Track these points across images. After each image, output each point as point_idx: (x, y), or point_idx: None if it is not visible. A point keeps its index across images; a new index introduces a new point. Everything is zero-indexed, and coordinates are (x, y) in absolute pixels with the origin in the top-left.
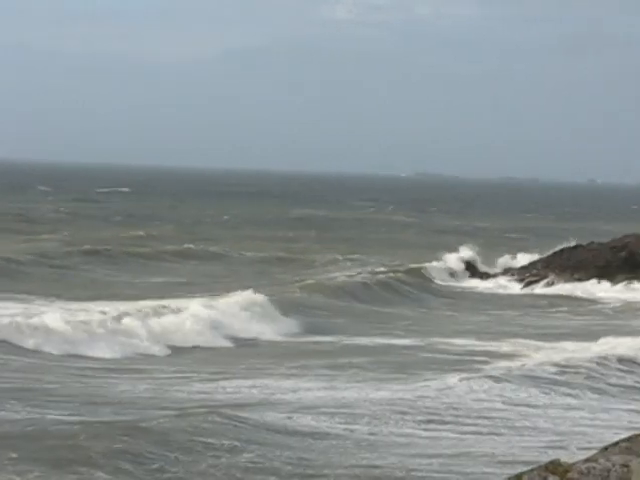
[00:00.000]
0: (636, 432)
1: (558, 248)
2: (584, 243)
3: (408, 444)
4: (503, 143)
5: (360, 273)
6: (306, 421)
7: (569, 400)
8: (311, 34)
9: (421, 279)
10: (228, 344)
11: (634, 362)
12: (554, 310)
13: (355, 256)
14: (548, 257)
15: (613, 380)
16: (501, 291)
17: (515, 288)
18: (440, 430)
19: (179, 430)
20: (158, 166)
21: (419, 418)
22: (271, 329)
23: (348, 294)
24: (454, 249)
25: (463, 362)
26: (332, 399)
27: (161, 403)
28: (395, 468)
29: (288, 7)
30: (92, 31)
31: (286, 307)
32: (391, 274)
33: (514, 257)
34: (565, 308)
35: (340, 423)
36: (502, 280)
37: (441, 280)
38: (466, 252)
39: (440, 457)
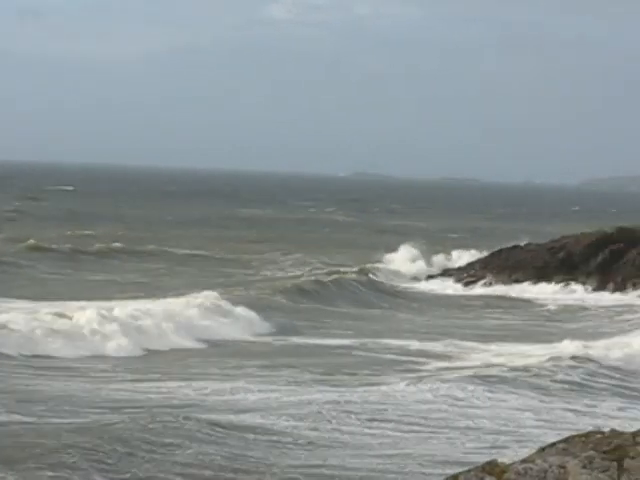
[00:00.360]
0: (574, 433)
1: (497, 248)
2: (523, 244)
3: (348, 444)
4: (442, 143)
5: (311, 274)
6: (248, 420)
7: (513, 401)
8: (250, 34)
9: (366, 279)
10: (190, 345)
11: (576, 364)
12: (491, 311)
13: (297, 255)
14: (486, 258)
15: (556, 380)
16: (441, 291)
17: (454, 289)
18: (382, 429)
19: (119, 429)
20: (88, 164)
21: (362, 417)
22: (231, 330)
23: (300, 294)
24: (395, 249)
25: (407, 363)
26: (275, 400)
27: (99, 402)
28: (333, 467)
29: (228, 6)
30: None
31: (245, 307)
32: (335, 275)
33: (449, 257)
34: (502, 309)
35: (282, 422)
36: (442, 280)
37: (386, 280)
38: (408, 252)
39: (380, 457)
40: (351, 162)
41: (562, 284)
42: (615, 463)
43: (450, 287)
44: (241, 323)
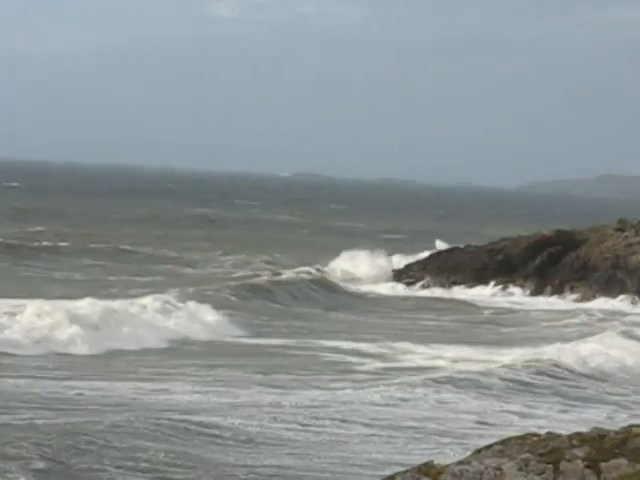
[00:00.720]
0: (511, 435)
1: (435, 250)
2: (462, 245)
3: (286, 444)
4: (380, 144)
5: (253, 274)
6: (186, 418)
7: (457, 403)
8: (194, 32)
9: (309, 279)
10: (132, 346)
11: (514, 367)
12: (427, 312)
13: (241, 256)
14: (425, 259)
15: (501, 381)
16: (380, 292)
17: (393, 290)
18: (321, 431)
19: (49, 425)
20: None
21: (302, 420)
22: (178, 329)
23: (243, 293)
24: (338, 250)
25: (344, 363)
26: (213, 400)
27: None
28: (269, 466)
29: (172, 4)
30: None
31: (189, 306)
32: (277, 277)
33: (390, 258)
34: (438, 311)
35: (222, 421)
36: (382, 282)
37: (326, 281)
38: (351, 254)
39: (317, 457)
40: (292, 162)
41: (500, 286)
42: (551, 466)
43: (389, 288)
44: (186, 322)
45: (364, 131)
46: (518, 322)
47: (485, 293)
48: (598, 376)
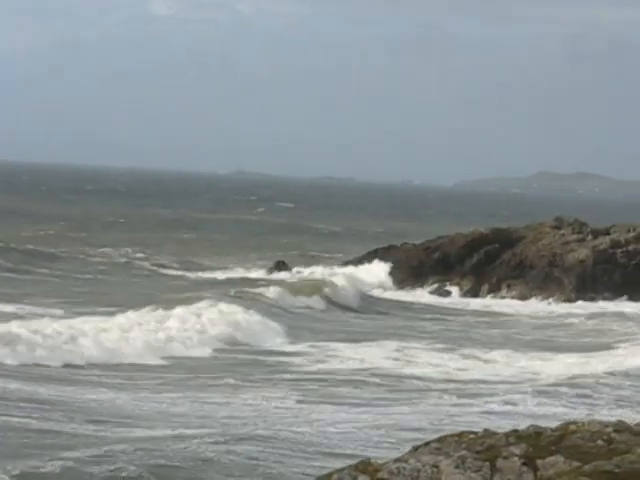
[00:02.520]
0: (447, 433)
1: (372, 248)
2: (399, 243)
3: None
4: (320, 143)
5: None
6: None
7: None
8: (136, 29)
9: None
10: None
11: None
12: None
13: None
14: (362, 257)
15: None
16: None
17: None
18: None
19: None
20: None
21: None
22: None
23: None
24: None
25: (276, 364)
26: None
27: None
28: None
29: (114, 2)
30: None
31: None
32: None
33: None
34: (371, 310)
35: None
36: None
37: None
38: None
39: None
40: (230, 160)
41: (437, 285)
42: (488, 463)
43: None
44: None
45: (303, 129)
46: (450, 323)
47: (421, 291)
48: None
